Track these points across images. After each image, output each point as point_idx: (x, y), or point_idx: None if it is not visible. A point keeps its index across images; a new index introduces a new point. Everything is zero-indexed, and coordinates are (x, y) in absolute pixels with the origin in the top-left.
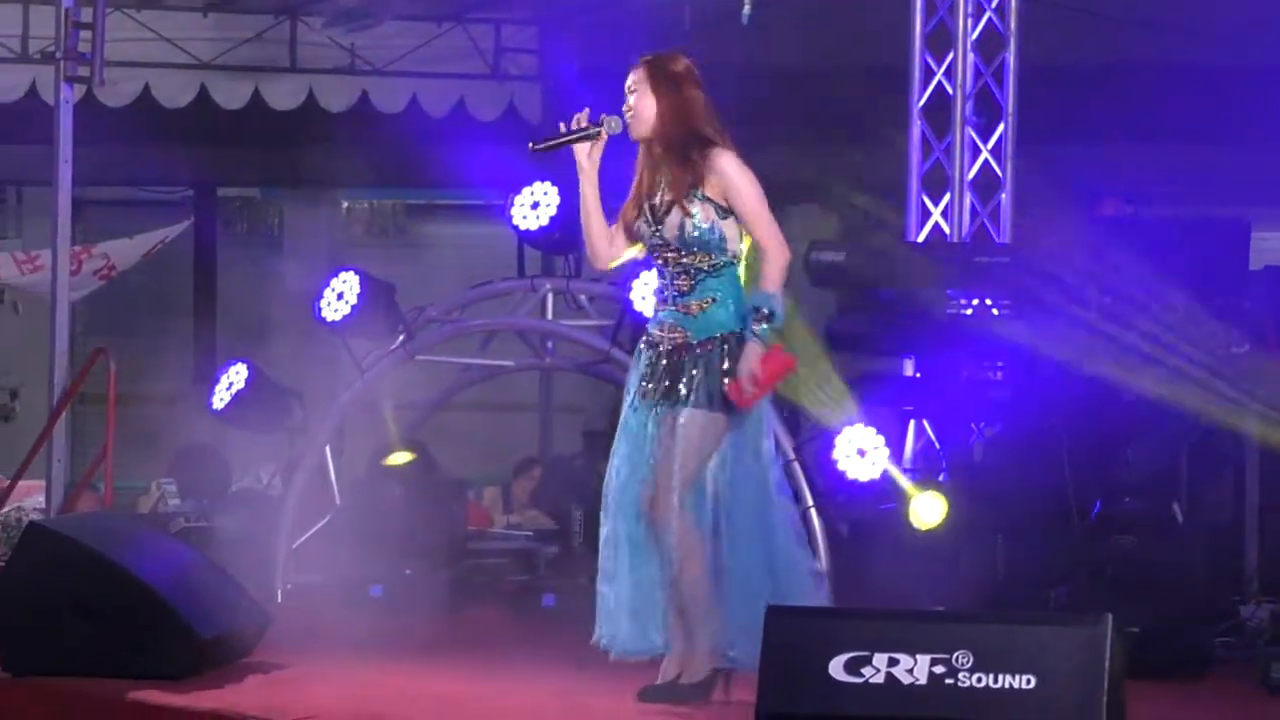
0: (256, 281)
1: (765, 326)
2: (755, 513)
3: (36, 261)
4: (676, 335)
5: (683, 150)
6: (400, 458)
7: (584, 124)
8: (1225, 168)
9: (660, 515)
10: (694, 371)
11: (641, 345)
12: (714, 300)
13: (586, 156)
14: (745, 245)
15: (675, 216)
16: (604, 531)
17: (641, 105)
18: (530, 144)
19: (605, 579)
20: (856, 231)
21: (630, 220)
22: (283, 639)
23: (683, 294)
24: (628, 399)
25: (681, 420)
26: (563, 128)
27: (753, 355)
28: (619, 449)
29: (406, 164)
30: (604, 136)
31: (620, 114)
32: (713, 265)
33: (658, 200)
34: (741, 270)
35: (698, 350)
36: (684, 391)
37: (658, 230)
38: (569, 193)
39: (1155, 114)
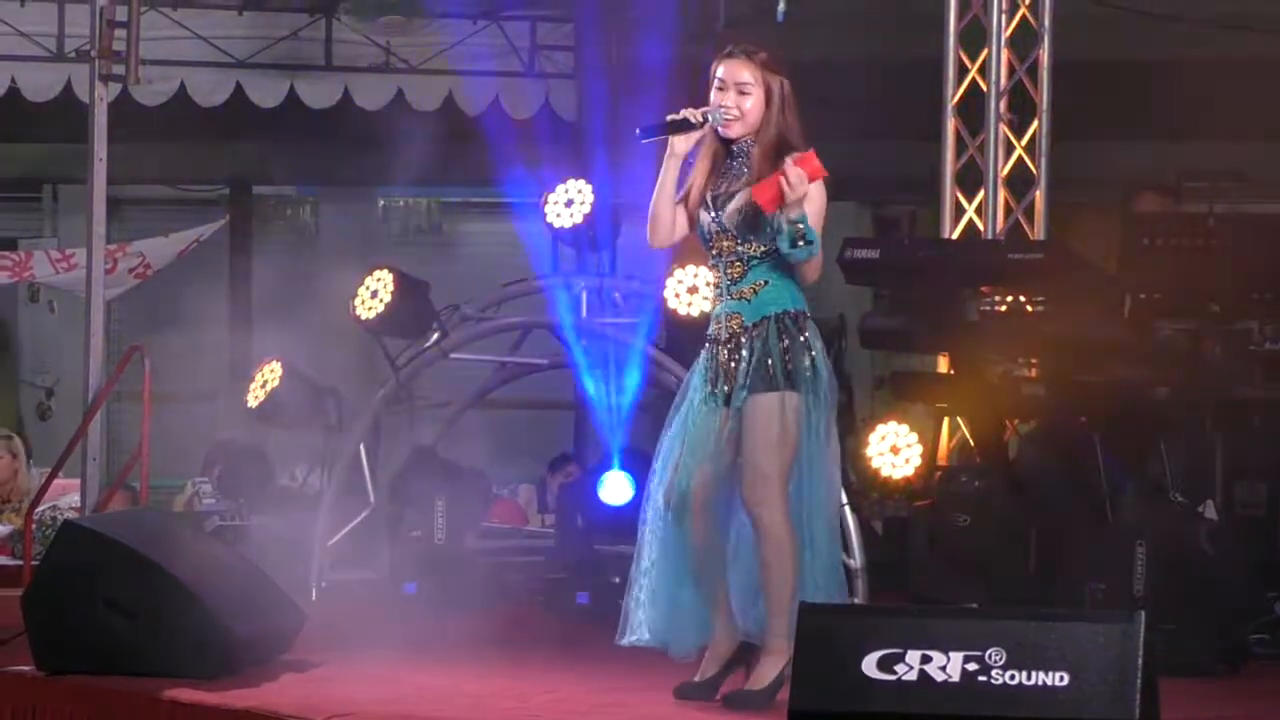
0: (292, 280)
1: (793, 233)
2: (822, 498)
3: (71, 260)
4: (733, 323)
5: (775, 158)
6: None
7: (698, 117)
8: (1268, 162)
9: (761, 509)
10: (750, 355)
11: (706, 342)
12: (766, 283)
13: (684, 141)
14: None
15: (738, 203)
16: (654, 527)
17: (752, 108)
18: (639, 130)
19: (648, 575)
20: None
21: (693, 207)
22: (317, 637)
23: (735, 281)
24: (685, 400)
25: (750, 408)
26: (670, 117)
27: (810, 168)
28: (684, 446)
29: (442, 162)
30: (706, 131)
31: (713, 108)
32: (765, 253)
33: (722, 189)
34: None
35: (753, 332)
36: (745, 377)
37: (717, 217)
38: (603, 191)
39: (1192, 109)
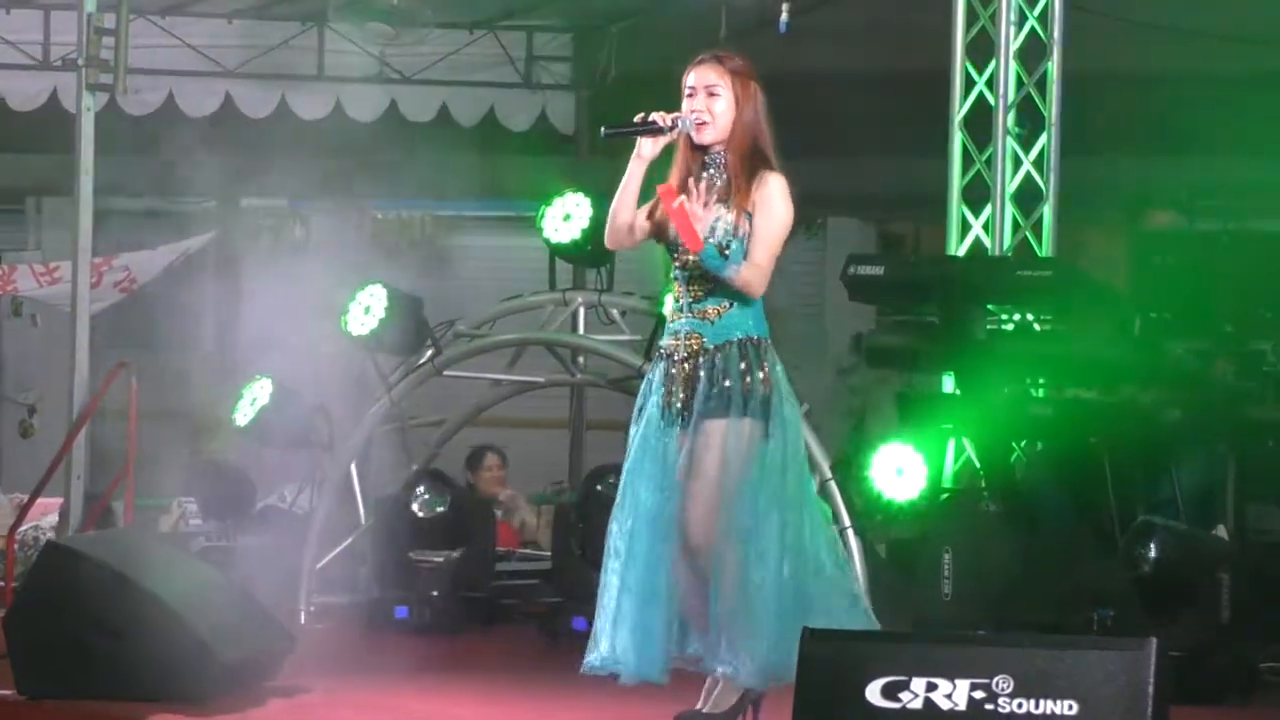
0: (282, 294)
1: (714, 249)
2: (791, 528)
3: (56, 273)
4: (692, 342)
5: (751, 166)
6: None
7: (667, 121)
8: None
9: (698, 538)
10: (711, 378)
11: (657, 359)
12: (731, 305)
13: (651, 144)
14: None
15: (708, 219)
16: (614, 547)
17: (723, 111)
18: (603, 129)
19: (609, 596)
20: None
21: (662, 218)
22: (306, 661)
23: (698, 299)
24: (643, 416)
25: (703, 432)
26: (638, 118)
27: (703, 216)
28: (639, 465)
29: (436, 175)
30: (674, 136)
31: (683, 114)
32: (715, 247)
33: (698, 193)
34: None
35: (715, 355)
36: (703, 400)
37: None
38: (601, 205)
39: (1204, 124)
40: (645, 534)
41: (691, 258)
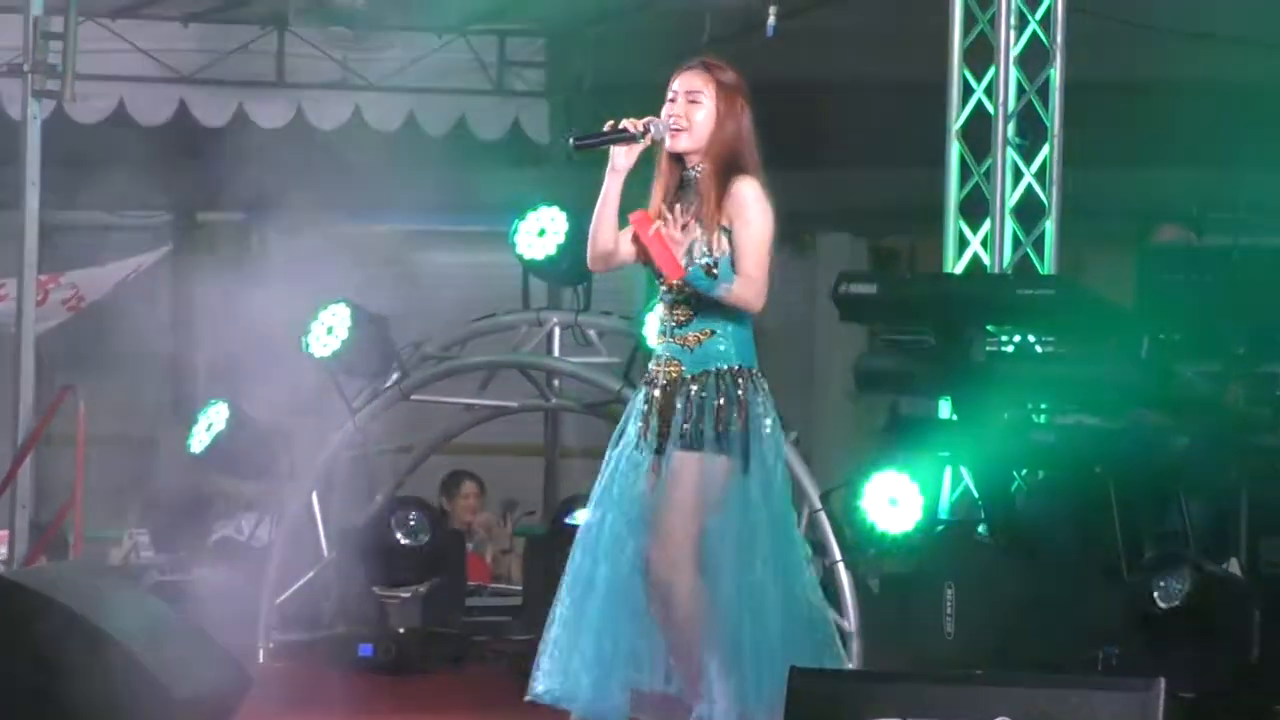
0: (239, 314)
1: (699, 271)
2: (770, 562)
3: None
4: (671, 369)
5: (726, 176)
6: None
7: (637, 127)
8: None
9: (663, 574)
10: (686, 410)
11: (643, 382)
12: (713, 333)
13: (625, 155)
14: None
15: (686, 240)
16: (575, 575)
17: (703, 120)
18: (570, 139)
19: (565, 625)
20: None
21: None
22: (265, 702)
23: (680, 325)
24: (621, 439)
25: (674, 465)
26: (607, 126)
27: (681, 242)
28: (608, 492)
29: (403, 187)
30: (648, 143)
31: (658, 118)
32: (701, 269)
33: (673, 218)
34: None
35: (691, 385)
36: (676, 432)
37: None
38: (578, 219)
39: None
40: (607, 565)
41: (676, 281)
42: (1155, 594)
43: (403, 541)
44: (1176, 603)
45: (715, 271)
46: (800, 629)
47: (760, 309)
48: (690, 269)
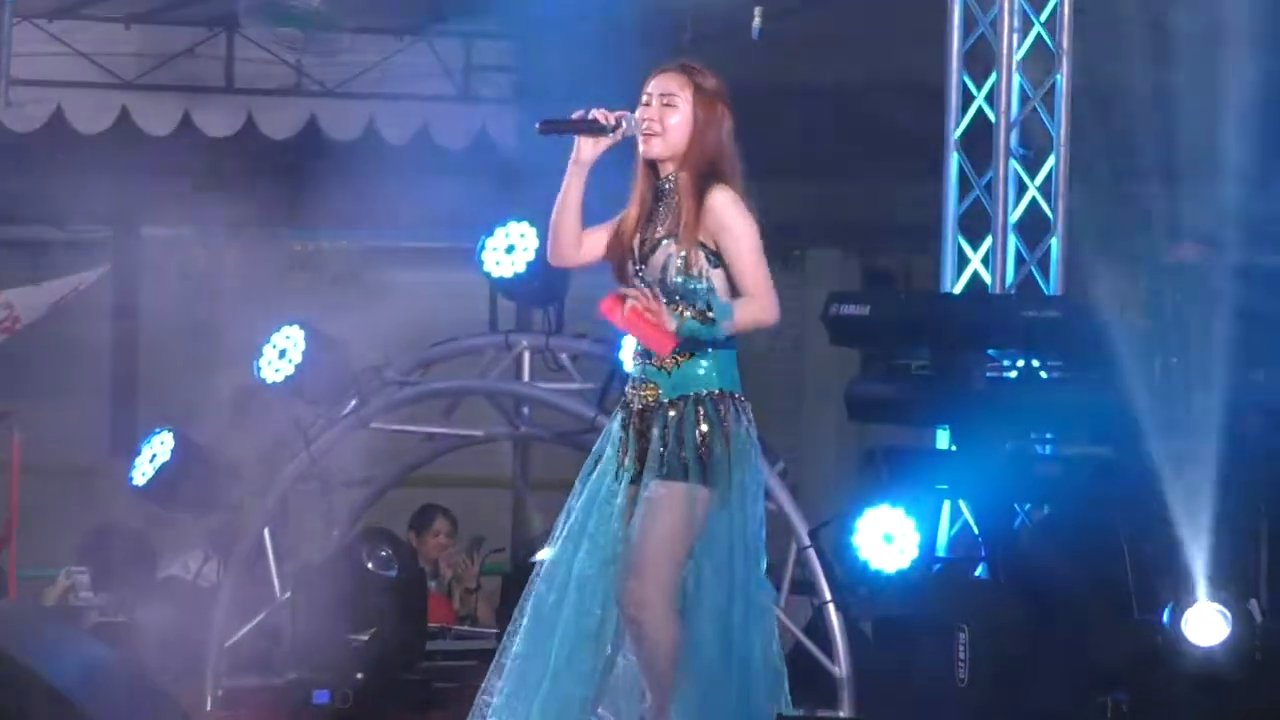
0: (186, 336)
1: (694, 322)
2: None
3: None
4: (647, 393)
5: (703, 187)
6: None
7: (609, 120)
8: None
9: (637, 611)
10: (664, 437)
11: (619, 407)
12: (692, 355)
13: (591, 146)
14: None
15: (661, 256)
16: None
17: (677, 125)
18: (539, 123)
19: (523, 662)
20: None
21: (616, 253)
22: None
23: None
24: (595, 468)
25: (652, 496)
26: (576, 115)
27: (662, 312)
28: (581, 525)
29: (361, 200)
30: (618, 138)
31: (633, 114)
32: (694, 317)
33: (647, 235)
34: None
35: (669, 410)
36: (654, 461)
37: (640, 270)
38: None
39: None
40: (574, 599)
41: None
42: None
43: (376, 572)
44: (1213, 653)
45: (710, 314)
46: (747, 682)
47: (777, 319)
48: (683, 326)
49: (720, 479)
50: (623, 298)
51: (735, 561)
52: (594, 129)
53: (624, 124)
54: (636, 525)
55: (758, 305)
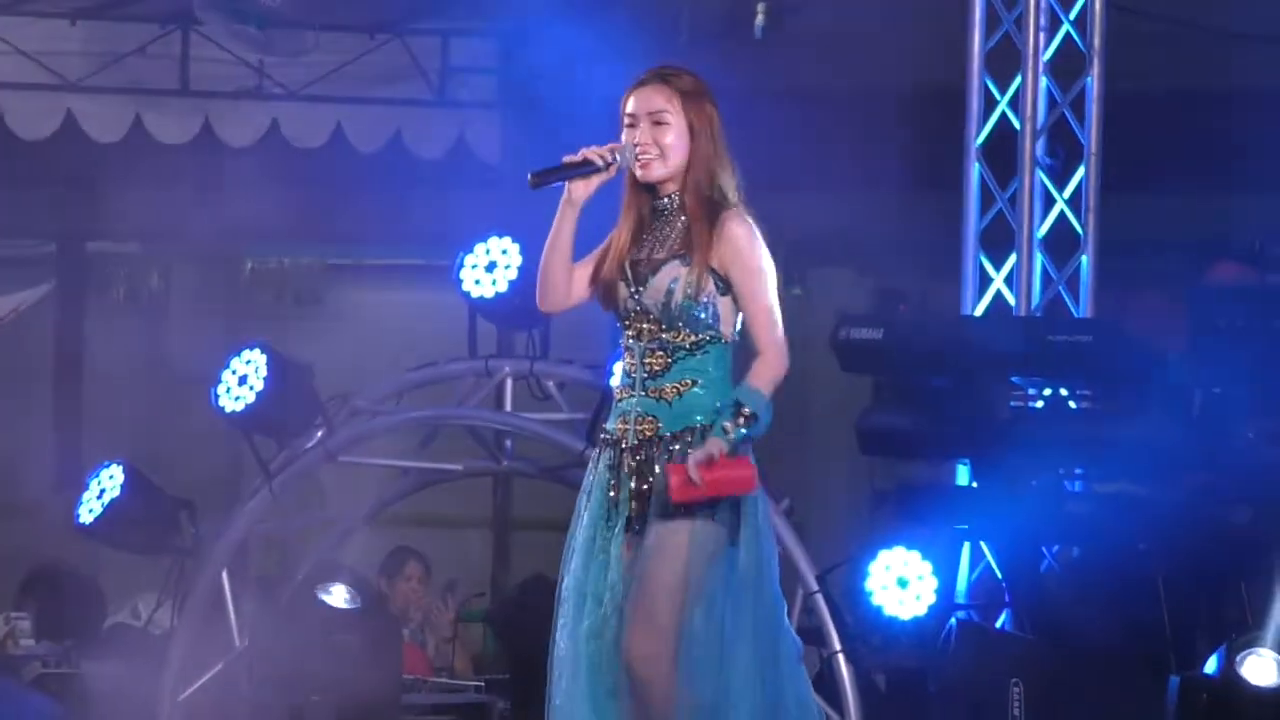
0: (136, 361)
1: (744, 431)
2: (755, 652)
3: None
4: (645, 427)
5: (712, 208)
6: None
7: (605, 157)
8: None
9: (644, 668)
10: (664, 474)
11: (602, 445)
12: (694, 383)
13: (584, 186)
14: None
15: (665, 279)
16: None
17: (673, 143)
18: (529, 176)
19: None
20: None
21: (608, 276)
22: None
23: (654, 375)
24: (585, 514)
25: (656, 539)
26: (567, 160)
27: (714, 447)
28: (586, 579)
29: (328, 213)
30: (613, 174)
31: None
32: (695, 344)
33: (644, 256)
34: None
35: (672, 445)
36: (658, 502)
37: (636, 293)
38: (533, 252)
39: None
40: (585, 656)
41: (648, 326)
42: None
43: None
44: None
45: (748, 410)
46: None
47: (787, 370)
48: (737, 431)
49: (730, 515)
50: (684, 472)
51: (760, 606)
52: (589, 170)
53: (618, 157)
54: (641, 572)
55: (769, 370)
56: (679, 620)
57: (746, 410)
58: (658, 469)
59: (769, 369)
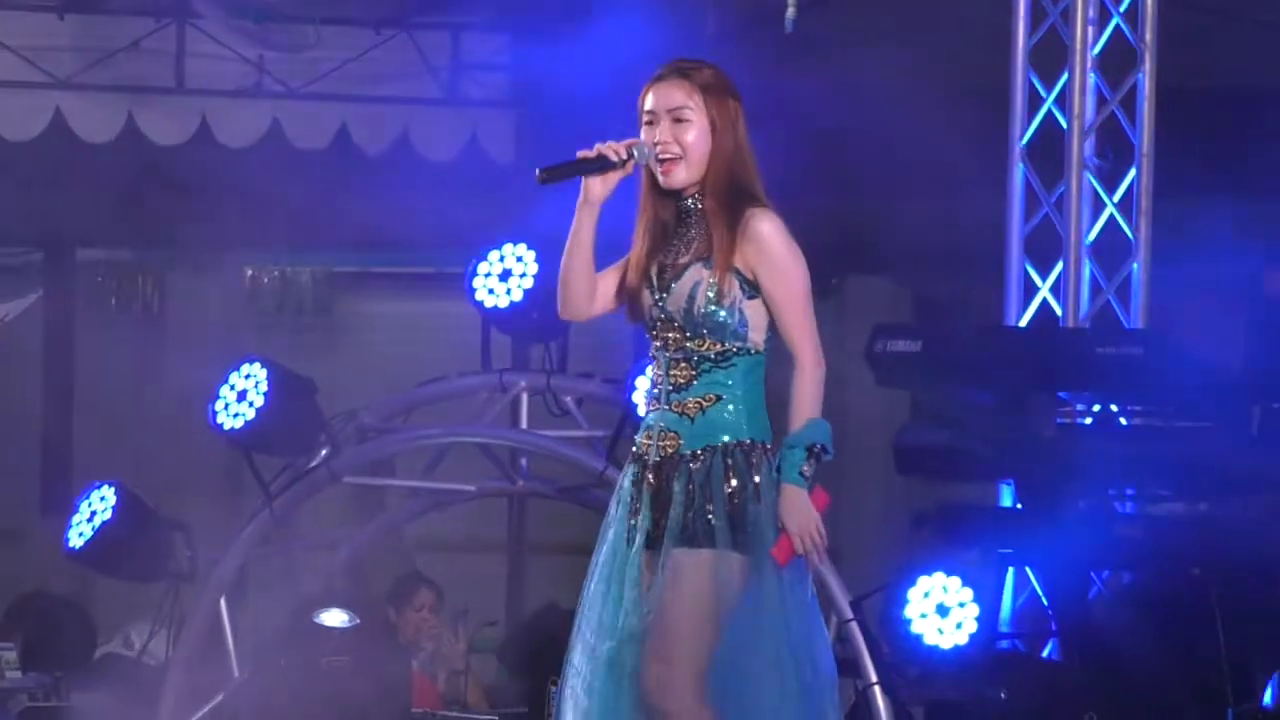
0: (128, 375)
1: (813, 462)
2: (782, 684)
3: None
4: (667, 443)
5: (734, 207)
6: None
7: (620, 153)
8: None
9: (667, 700)
10: (689, 495)
11: (630, 459)
12: (718, 398)
13: (601, 184)
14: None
15: (688, 283)
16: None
17: (695, 141)
18: (537, 171)
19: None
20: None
21: (632, 282)
22: None
23: (679, 388)
24: (609, 533)
25: (674, 567)
26: (580, 155)
27: (803, 504)
28: (606, 602)
29: (332, 219)
30: (629, 170)
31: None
32: (721, 354)
33: (669, 260)
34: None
35: (691, 464)
36: (676, 524)
37: (660, 300)
38: (550, 260)
39: None
40: (600, 687)
41: (673, 335)
42: None
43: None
44: None
45: (817, 448)
46: None
47: (825, 368)
48: (805, 474)
49: (755, 543)
50: (790, 548)
51: (781, 644)
52: (603, 166)
53: (635, 154)
54: (659, 602)
55: (813, 374)
56: (699, 651)
57: (817, 447)
58: (675, 489)
59: (812, 383)
